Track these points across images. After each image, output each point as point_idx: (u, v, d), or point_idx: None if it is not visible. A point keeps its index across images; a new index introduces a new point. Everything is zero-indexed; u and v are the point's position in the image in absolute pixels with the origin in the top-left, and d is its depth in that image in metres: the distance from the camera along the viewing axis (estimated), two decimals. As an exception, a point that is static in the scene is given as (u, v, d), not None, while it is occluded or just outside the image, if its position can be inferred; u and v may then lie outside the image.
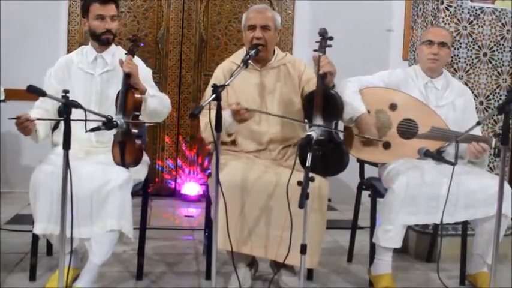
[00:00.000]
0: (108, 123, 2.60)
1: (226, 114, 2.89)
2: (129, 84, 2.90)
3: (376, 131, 3.15)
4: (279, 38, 3.28)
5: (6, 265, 3.22)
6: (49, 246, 3.35)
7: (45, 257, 3.33)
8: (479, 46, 3.75)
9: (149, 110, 3.00)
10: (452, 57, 3.70)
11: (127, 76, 2.88)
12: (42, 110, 3.04)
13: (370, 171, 3.50)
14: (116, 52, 3.16)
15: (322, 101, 2.88)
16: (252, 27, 3.08)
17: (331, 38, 2.90)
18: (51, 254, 3.36)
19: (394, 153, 3.15)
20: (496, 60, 3.78)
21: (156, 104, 3.03)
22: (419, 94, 3.24)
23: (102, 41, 3.10)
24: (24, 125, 2.80)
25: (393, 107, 3.18)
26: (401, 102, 3.18)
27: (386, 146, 3.17)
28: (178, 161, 5.26)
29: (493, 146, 2.99)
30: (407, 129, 3.15)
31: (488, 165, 3.70)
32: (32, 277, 3.01)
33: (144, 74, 3.10)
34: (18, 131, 2.83)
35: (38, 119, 2.86)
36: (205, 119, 2.99)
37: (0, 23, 4.84)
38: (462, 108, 3.29)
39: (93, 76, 3.12)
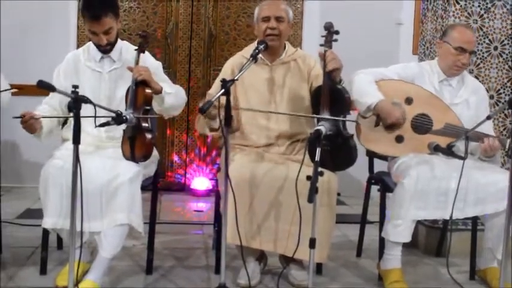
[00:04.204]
0: (118, 118, 2.62)
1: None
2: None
3: (399, 114, 3.08)
4: (291, 32, 3.26)
5: (17, 259, 3.25)
6: (59, 240, 3.36)
7: (56, 251, 3.35)
8: (490, 40, 3.73)
9: (166, 106, 3.01)
10: (462, 51, 3.67)
11: (142, 82, 2.87)
12: (48, 107, 3.06)
13: (379, 166, 3.49)
14: (123, 48, 3.14)
15: (329, 96, 2.87)
16: (266, 19, 3.07)
17: (337, 32, 2.88)
18: (62, 248, 3.38)
19: (406, 147, 3.13)
20: (507, 54, 3.75)
21: (173, 100, 3.02)
22: (433, 91, 3.19)
23: (100, 51, 3.09)
24: (29, 123, 2.82)
25: (409, 100, 3.14)
26: (417, 96, 3.13)
27: (399, 139, 3.14)
28: (188, 155, 5.27)
29: (507, 147, 2.96)
30: (421, 124, 3.12)
31: (499, 160, 3.68)
32: (43, 271, 3.04)
33: (154, 68, 3.10)
34: (23, 129, 2.85)
35: (43, 117, 2.86)
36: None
37: (6, 19, 4.85)
38: (476, 106, 3.25)
39: (101, 74, 3.11)
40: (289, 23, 3.14)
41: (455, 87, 3.26)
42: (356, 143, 2.97)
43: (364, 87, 3.11)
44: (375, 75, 3.20)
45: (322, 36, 2.89)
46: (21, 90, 3.36)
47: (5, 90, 3.09)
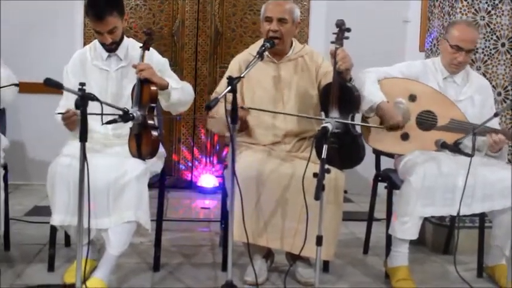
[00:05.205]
0: (125, 116, 2.62)
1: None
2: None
3: (400, 117, 3.09)
4: (297, 30, 3.24)
5: (25, 256, 3.26)
6: (67, 237, 3.38)
7: (64, 248, 3.36)
8: (497, 36, 3.71)
9: (173, 102, 3.01)
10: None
11: (146, 80, 2.87)
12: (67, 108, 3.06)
13: (386, 163, 3.48)
14: (129, 45, 3.14)
15: (339, 94, 2.86)
16: (269, 19, 3.07)
17: (348, 30, 2.87)
18: (69, 245, 3.39)
19: (412, 144, 3.12)
20: (515, 51, 3.73)
21: (179, 95, 3.02)
22: (437, 88, 3.18)
23: (106, 49, 3.09)
24: (72, 120, 2.83)
25: (412, 98, 3.14)
26: (421, 93, 3.13)
27: (405, 137, 3.14)
28: (195, 153, 5.27)
29: None
30: (426, 121, 3.12)
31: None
32: (51, 268, 3.05)
33: (161, 64, 3.10)
34: (64, 125, 2.87)
35: (90, 114, 2.88)
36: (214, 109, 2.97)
37: (12, 17, 4.86)
38: (481, 103, 3.24)
39: (108, 73, 3.11)
40: (294, 22, 3.11)
41: (459, 84, 3.25)
42: (364, 142, 2.97)
43: (366, 87, 3.10)
44: (378, 74, 3.20)
45: (334, 34, 2.88)
46: (28, 88, 3.38)
47: (5, 86, 3.06)
